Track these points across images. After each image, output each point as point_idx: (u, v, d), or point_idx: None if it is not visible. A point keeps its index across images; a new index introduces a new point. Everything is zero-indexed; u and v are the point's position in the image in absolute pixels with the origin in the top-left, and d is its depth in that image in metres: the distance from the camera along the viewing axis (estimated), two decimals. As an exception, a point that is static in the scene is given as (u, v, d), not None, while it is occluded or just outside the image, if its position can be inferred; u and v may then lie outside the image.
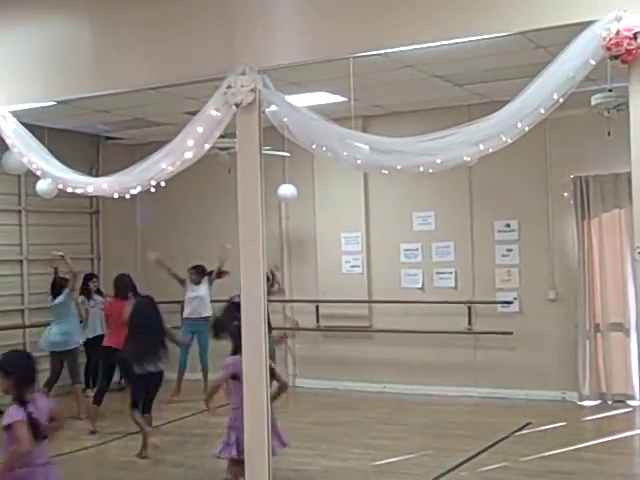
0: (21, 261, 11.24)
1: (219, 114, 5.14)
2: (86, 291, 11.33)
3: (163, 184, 5.38)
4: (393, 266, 11.10)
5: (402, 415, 9.72)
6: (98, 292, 11.48)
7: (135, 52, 5.81)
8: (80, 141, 11.69)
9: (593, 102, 7.38)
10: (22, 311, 11.22)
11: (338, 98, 9.08)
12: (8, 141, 6.00)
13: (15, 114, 6.18)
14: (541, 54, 6.77)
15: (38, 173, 5.93)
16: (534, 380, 10.06)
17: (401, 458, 7.66)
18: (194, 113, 5.40)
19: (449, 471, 7.16)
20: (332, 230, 11.42)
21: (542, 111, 4.47)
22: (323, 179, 11.31)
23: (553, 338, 10.11)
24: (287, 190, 10.83)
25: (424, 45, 5.29)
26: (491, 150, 4.55)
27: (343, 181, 11.04)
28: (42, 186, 9.19)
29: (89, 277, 11.52)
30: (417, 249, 11.01)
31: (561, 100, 4.46)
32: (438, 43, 5.28)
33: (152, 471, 7.55)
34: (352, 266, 11.35)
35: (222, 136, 5.57)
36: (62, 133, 10.38)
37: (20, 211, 11.32)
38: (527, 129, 4.50)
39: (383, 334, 11.13)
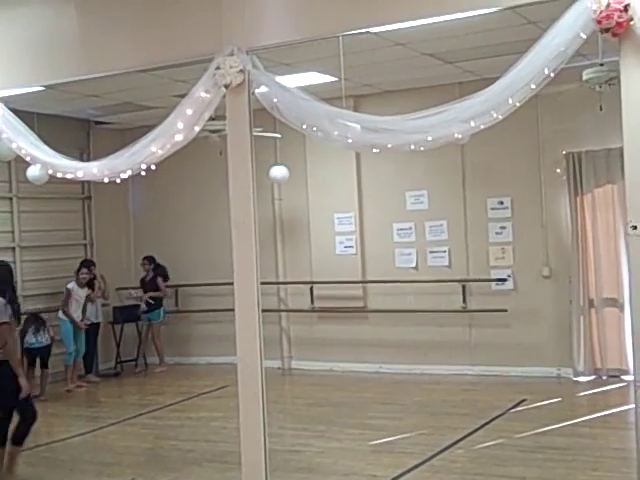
0: (13, 248, 11.19)
1: (208, 96, 5.10)
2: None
3: (153, 167, 5.35)
4: (387, 246, 11.09)
5: (398, 395, 9.75)
6: (94, 279, 11.43)
7: (122, 34, 5.75)
8: (70, 126, 11.62)
9: (584, 77, 7.35)
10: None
11: (328, 78, 9.04)
12: (-4, 127, 5.96)
13: (3, 100, 6.12)
14: (532, 30, 6.72)
15: (27, 159, 5.88)
16: (529, 357, 10.09)
17: (397, 437, 7.68)
18: (184, 96, 5.35)
19: (445, 449, 7.18)
20: (325, 211, 11.40)
21: (533, 86, 4.44)
22: (315, 160, 11.28)
23: (547, 315, 10.13)
24: (279, 172, 10.79)
25: (414, 22, 5.25)
26: (482, 127, 4.53)
27: (335, 161, 11.01)
28: (33, 172, 9.11)
29: (87, 264, 11.47)
30: (410, 228, 11.00)
31: (552, 75, 4.42)
32: (428, 20, 5.23)
33: (150, 455, 7.56)
34: (346, 247, 11.34)
35: (212, 118, 5.54)
36: (52, 118, 10.32)
37: (11, 198, 11.26)
38: (518, 104, 4.47)
39: (378, 314, 11.14)
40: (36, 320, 10.33)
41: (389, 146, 4.77)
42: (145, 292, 12.03)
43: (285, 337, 11.78)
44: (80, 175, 5.72)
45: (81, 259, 11.71)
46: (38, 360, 10.33)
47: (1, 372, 6.38)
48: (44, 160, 5.80)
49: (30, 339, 10.26)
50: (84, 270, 11.15)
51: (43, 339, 10.32)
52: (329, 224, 11.40)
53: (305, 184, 11.51)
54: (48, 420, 9.48)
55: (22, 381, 6.40)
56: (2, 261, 7.14)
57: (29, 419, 6.58)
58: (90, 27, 5.91)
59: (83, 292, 11.10)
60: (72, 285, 11.02)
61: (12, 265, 11.00)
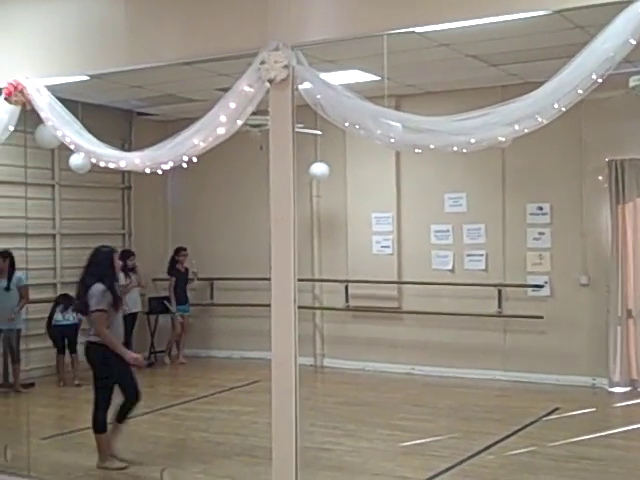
0: (54, 235, 11.33)
1: (252, 90, 5.10)
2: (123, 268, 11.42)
3: (195, 160, 5.36)
4: (424, 247, 11.05)
5: (429, 397, 9.71)
6: (133, 270, 11.54)
7: (169, 26, 5.77)
8: (113, 116, 11.72)
9: (631, 84, 7.26)
10: (54, 285, 11.32)
11: (371, 77, 9.01)
12: (42, 114, 6.00)
13: (49, 88, 6.17)
14: (579, 34, 6.64)
15: (71, 147, 5.92)
16: (564, 365, 9.98)
17: (428, 440, 7.65)
18: (226, 90, 5.36)
19: (476, 454, 7.13)
20: (363, 210, 11.39)
21: (580, 91, 4.38)
22: (355, 158, 11.27)
23: (584, 323, 10.02)
24: (319, 169, 10.80)
25: (460, 24, 5.21)
26: (526, 131, 4.47)
27: (375, 161, 10.98)
28: (76, 161, 9.23)
29: (126, 254, 11.58)
30: (448, 230, 10.95)
31: (600, 80, 4.36)
32: (474, 22, 5.18)
33: (181, 446, 7.61)
34: (382, 246, 11.31)
35: (254, 113, 5.52)
36: (95, 108, 10.39)
37: (53, 185, 11.40)
38: (564, 109, 4.40)
39: (412, 315, 11.09)
40: (65, 299, 10.45)
41: (431, 147, 4.73)
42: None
43: (319, 335, 11.79)
44: (122, 165, 5.74)
45: (119, 248, 11.79)
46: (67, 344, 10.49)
47: (97, 355, 6.71)
48: (88, 149, 5.83)
49: (57, 317, 10.45)
50: (132, 257, 11.25)
51: (70, 317, 10.45)
52: (366, 223, 11.39)
53: (344, 182, 11.50)
54: (82, 406, 9.56)
55: (127, 356, 6.67)
56: (105, 246, 7.17)
57: (132, 397, 6.79)
58: (137, 18, 5.94)
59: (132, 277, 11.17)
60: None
61: (52, 252, 11.31)
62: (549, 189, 10.25)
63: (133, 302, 11.58)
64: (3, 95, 6.11)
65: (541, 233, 10.38)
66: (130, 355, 6.72)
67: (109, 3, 6.05)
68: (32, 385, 10.22)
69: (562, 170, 10.16)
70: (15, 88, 6.04)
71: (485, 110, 4.56)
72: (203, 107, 5.44)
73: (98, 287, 6.73)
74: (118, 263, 7.11)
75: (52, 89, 6.17)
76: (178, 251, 12.08)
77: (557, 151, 10.05)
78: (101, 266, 6.88)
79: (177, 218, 12.95)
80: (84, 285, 6.80)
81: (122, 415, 6.84)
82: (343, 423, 8.33)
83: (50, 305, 10.69)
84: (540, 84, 4.53)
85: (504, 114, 4.49)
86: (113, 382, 6.73)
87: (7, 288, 9.98)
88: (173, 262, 12.07)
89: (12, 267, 10.04)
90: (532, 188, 10.36)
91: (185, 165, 5.45)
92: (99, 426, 6.79)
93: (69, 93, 7.17)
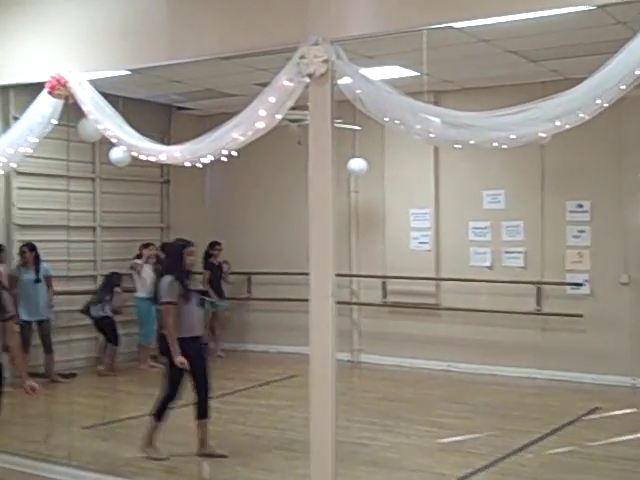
0: (94, 228, 11.46)
1: (291, 84, 5.10)
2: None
3: (235, 154, 5.38)
4: (462, 244, 11.00)
5: (467, 394, 9.66)
6: None
7: (210, 21, 5.80)
8: (153, 111, 11.82)
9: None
10: (94, 277, 11.46)
11: (410, 72, 8.99)
12: (84, 108, 6.06)
13: (91, 83, 6.23)
14: (621, 30, 6.57)
15: (113, 140, 5.98)
16: (603, 364, 9.88)
17: (466, 437, 7.63)
18: (265, 84, 5.38)
19: (514, 452, 7.08)
20: (401, 206, 11.36)
21: (622, 87, 4.32)
22: (393, 154, 11.24)
23: (624, 322, 9.90)
24: (357, 164, 10.79)
25: (500, 19, 5.18)
26: (567, 126, 4.42)
27: (413, 156, 10.96)
28: (116, 154, 9.33)
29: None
30: (486, 227, 10.88)
31: (643, 76, 4.30)
32: (515, 17, 5.16)
33: (220, 438, 7.66)
34: (420, 242, 11.28)
35: (293, 108, 5.53)
36: (136, 102, 10.48)
37: (94, 179, 11.53)
38: (606, 105, 4.35)
39: (450, 312, 11.05)
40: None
41: (471, 142, 4.70)
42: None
43: (356, 330, 11.79)
44: (162, 158, 5.79)
45: (157, 242, 11.93)
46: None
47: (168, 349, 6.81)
48: (129, 142, 5.89)
49: (92, 309, 10.67)
50: (151, 247, 11.33)
51: (106, 310, 10.63)
52: (404, 219, 11.36)
53: (382, 178, 11.48)
54: (123, 397, 9.75)
55: (175, 357, 6.76)
56: (179, 239, 7.31)
57: (202, 392, 6.89)
58: (179, 13, 5.98)
59: (149, 269, 11.25)
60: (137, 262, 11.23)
61: (92, 245, 11.44)
62: (589, 186, 10.14)
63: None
64: (46, 89, 6.19)
65: (581, 231, 10.27)
66: (178, 358, 6.76)
67: (151, -2, 6.09)
68: (73, 375, 10.37)
69: (602, 167, 10.05)
70: (58, 82, 6.12)
71: (526, 106, 4.52)
72: (242, 102, 5.46)
73: (167, 279, 6.86)
74: (190, 257, 7.02)
75: (94, 83, 6.24)
76: (212, 245, 12.13)
77: (597, 147, 9.95)
78: (171, 259, 7.03)
79: (215, 212, 13.02)
80: (158, 277, 6.93)
81: (199, 411, 6.94)
82: (380, 418, 8.33)
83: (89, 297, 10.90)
84: (580, 80, 4.48)
85: (545, 110, 4.44)
86: (182, 375, 6.82)
87: (37, 280, 10.12)
88: (207, 256, 12.11)
89: (37, 259, 10.20)
90: (572, 185, 10.26)
91: (224, 159, 5.48)
92: (159, 414, 6.90)
93: (110, 88, 7.25)
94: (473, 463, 6.75)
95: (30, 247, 10.18)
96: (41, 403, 9.59)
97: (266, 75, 5.68)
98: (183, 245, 7.06)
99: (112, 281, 10.94)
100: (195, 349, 6.85)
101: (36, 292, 10.11)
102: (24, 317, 9.93)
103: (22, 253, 10.21)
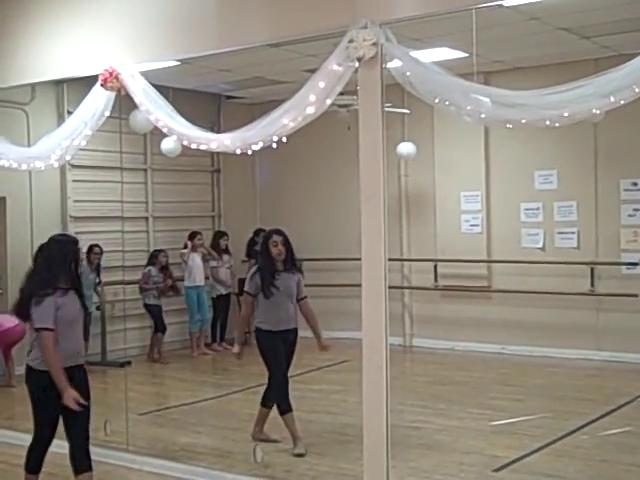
0: (147, 218, 11.60)
1: (340, 69, 5.10)
2: (216, 249, 11.66)
3: (285, 140, 5.40)
4: (513, 225, 10.91)
5: (520, 377, 9.61)
6: (226, 251, 11.76)
7: (256, 9, 5.82)
8: (202, 100, 11.90)
9: None
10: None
11: (459, 54, 8.91)
12: (136, 99, 6.14)
13: (142, 74, 6.31)
14: (676, 3, 6.44)
15: (164, 130, 6.04)
16: (660, 344, 9.74)
17: (519, 419, 7.59)
18: (314, 71, 5.38)
19: (569, 434, 7.04)
20: (451, 189, 11.30)
21: (678, 60, 4.25)
22: (443, 137, 11.18)
23: (681, 301, 9.74)
24: (406, 148, 10.76)
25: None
26: (622, 102, 4.35)
27: (463, 139, 10.88)
28: (167, 145, 9.42)
29: (220, 235, 11.81)
30: (538, 208, 10.78)
31: (700, 49, 4.22)
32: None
33: (273, 423, 7.72)
34: (471, 225, 11.22)
35: (342, 93, 5.53)
36: (185, 93, 10.55)
37: (146, 170, 11.67)
38: (662, 80, 4.28)
39: (502, 294, 10.98)
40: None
41: (523, 121, 4.66)
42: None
43: (407, 314, 11.78)
44: (213, 146, 5.84)
45: (209, 230, 12.05)
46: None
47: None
48: (180, 131, 5.94)
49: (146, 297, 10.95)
50: (199, 236, 11.43)
51: (150, 298, 10.96)
52: (455, 202, 11.31)
53: (432, 161, 11.43)
54: (176, 384, 9.87)
55: (234, 348, 7.11)
56: (261, 230, 7.26)
57: (272, 383, 6.89)
58: (226, 1, 6.02)
59: (197, 257, 11.35)
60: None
61: (145, 235, 11.59)
62: (644, 164, 9.97)
63: (228, 283, 11.80)
64: (99, 82, 6.28)
65: (636, 210, 10.11)
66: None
67: (198, -13, 6.13)
68: (129, 363, 10.51)
69: (658, 144, 9.87)
70: (110, 74, 6.20)
71: (579, 82, 4.47)
72: (291, 89, 5.48)
73: (252, 271, 6.90)
74: (275, 248, 6.79)
75: (144, 75, 6.31)
76: (257, 233, 12.15)
77: (652, 124, 9.76)
78: (260, 249, 7.00)
79: (266, 200, 13.08)
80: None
81: (265, 399, 6.99)
82: (433, 402, 8.33)
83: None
84: (634, 56, 4.40)
85: (599, 85, 4.38)
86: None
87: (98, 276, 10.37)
88: (252, 244, 12.13)
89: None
90: (626, 163, 10.10)
91: (275, 145, 5.50)
92: (266, 403, 6.94)
93: (160, 79, 7.32)
94: (527, 445, 6.72)
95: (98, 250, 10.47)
96: (98, 391, 9.78)
97: (315, 61, 5.68)
98: (267, 235, 6.94)
99: (151, 261, 11.05)
100: (274, 342, 6.75)
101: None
102: None
103: (93, 254, 10.46)
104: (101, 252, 10.48)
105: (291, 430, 6.74)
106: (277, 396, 6.78)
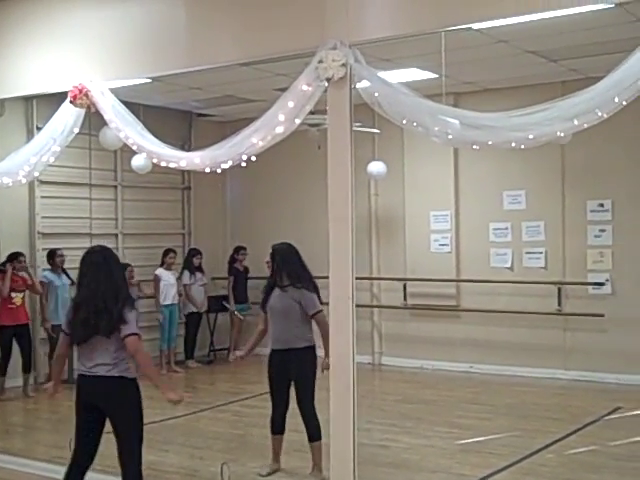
0: (116, 235, 11.55)
1: (310, 89, 5.13)
2: (189, 267, 11.65)
3: (254, 159, 5.42)
4: (482, 245, 11.00)
5: (488, 395, 9.66)
6: (199, 269, 11.76)
7: (227, 28, 5.83)
8: (173, 118, 11.91)
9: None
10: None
11: (428, 74, 9.01)
12: (106, 116, 6.12)
13: (112, 91, 6.30)
14: (640, 28, 6.57)
15: (134, 148, 6.03)
16: (625, 364, 9.83)
17: (487, 438, 7.63)
18: (284, 89, 5.41)
19: (535, 452, 7.09)
20: (421, 208, 11.38)
21: (641, 85, 4.32)
22: (413, 157, 11.26)
23: (647, 322, 9.85)
24: (376, 167, 10.81)
25: (519, 19, 5.17)
26: (586, 125, 4.42)
27: (433, 159, 10.97)
28: (137, 162, 9.41)
29: (193, 253, 11.81)
30: (507, 228, 10.88)
31: (661, 74, 4.29)
32: (533, 16, 5.15)
33: (241, 441, 7.70)
34: (441, 244, 11.29)
35: (312, 112, 5.56)
36: (156, 110, 10.59)
37: (116, 186, 11.64)
38: (624, 103, 4.35)
39: (471, 313, 11.05)
40: None
41: (490, 143, 4.71)
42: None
43: (377, 333, 11.81)
44: (183, 164, 5.84)
45: (179, 247, 12.04)
46: None
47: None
48: (149, 149, 5.94)
49: None
50: (171, 254, 11.43)
51: None
52: (424, 221, 11.38)
53: (402, 180, 11.50)
54: (145, 402, 9.71)
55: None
56: (273, 245, 6.97)
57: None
58: (196, 21, 6.03)
59: (171, 275, 11.32)
60: (159, 271, 11.30)
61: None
62: (610, 185, 10.11)
63: (201, 301, 11.79)
64: (69, 98, 6.26)
65: (602, 230, 10.24)
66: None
67: (169, 7, 6.15)
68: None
69: (624, 165, 10.01)
70: (80, 91, 6.18)
71: (544, 105, 4.54)
72: (262, 107, 5.50)
73: None
74: (268, 264, 6.79)
75: (114, 92, 6.30)
76: (237, 250, 12.20)
77: (619, 146, 9.91)
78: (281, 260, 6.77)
79: (236, 217, 13.09)
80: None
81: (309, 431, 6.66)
82: (401, 420, 8.34)
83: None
84: (601, 79, 4.48)
85: (563, 109, 4.45)
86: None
87: (72, 283, 10.21)
88: (232, 261, 12.19)
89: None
90: (593, 184, 10.24)
91: (244, 164, 5.51)
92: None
93: (131, 96, 7.36)
94: (494, 463, 6.75)
95: (61, 253, 10.32)
96: (65, 409, 9.68)
97: (286, 80, 5.73)
98: (272, 251, 6.86)
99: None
100: (272, 361, 6.71)
101: (67, 296, 10.24)
102: (58, 322, 10.08)
103: (57, 257, 10.31)
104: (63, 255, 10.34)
105: (276, 451, 6.70)
106: (272, 417, 6.72)
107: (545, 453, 7.09)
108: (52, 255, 10.33)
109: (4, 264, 9.80)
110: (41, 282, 10.22)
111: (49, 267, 10.36)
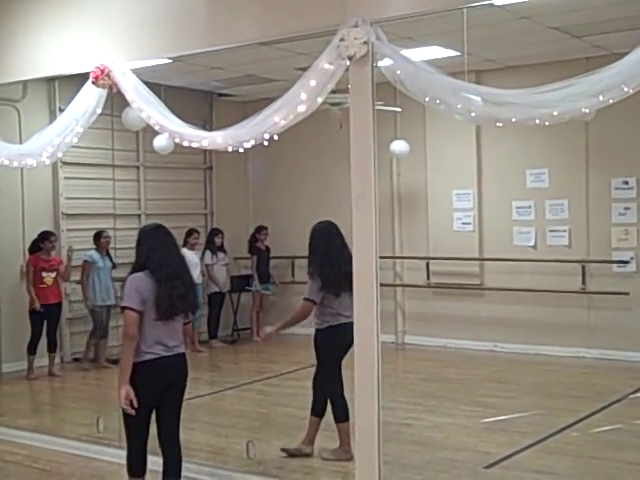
0: (139, 215, 11.60)
1: (331, 67, 5.11)
2: (211, 247, 11.68)
3: (276, 138, 5.41)
4: (505, 224, 10.94)
5: (512, 374, 9.65)
6: (221, 248, 11.80)
7: (248, 7, 5.83)
8: (194, 98, 11.90)
9: None
10: (139, 264, 11.59)
11: (450, 52, 8.93)
12: (128, 97, 6.14)
13: (134, 72, 6.32)
14: (666, 2, 6.47)
15: (156, 128, 6.04)
16: (650, 342, 9.78)
17: (511, 416, 7.62)
18: (305, 69, 5.39)
19: (560, 430, 7.07)
20: (444, 187, 11.33)
21: (667, 59, 4.27)
22: (435, 135, 11.20)
23: (672, 299, 9.78)
24: (399, 146, 10.78)
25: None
26: (611, 101, 4.38)
27: (455, 137, 10.90)
28: (159, 142, 9.43)
29: (215, 232, 11.85)
30: (530, 207, 10.81)
31: (688, 47, 4.24)
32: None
33: (265, 420, 7.75)
34: (463, 223, 11.25)
35: (333, 91, 5.55)
36: (177, 90, 10.57)
37: (138, 167, 11.67)
38: (651, 79, 4.30)
39: (494, 292, 11.01)
40: None
41: (513, 120, 4.67)
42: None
43: (400, 312, 11.81)
44: (205, 144, 5.84)
45: (202, 227, 12.07)
46: None
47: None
48: (172, 129, 5.95)
49: None
50: (195, 235, 11.45)
51: None
52: (447, 200, 11.33)
53: (424, 159, 11.45)
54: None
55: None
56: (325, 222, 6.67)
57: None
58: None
59: (194, 255, 11.31)
60: (182, 251, 11.28)
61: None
62: (635, 163, 9.99)
63: (223, 281, 11.83)
64: (90, 79, 6.29)
65: (627, 208, 10.15)
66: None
67: (190, -15, 6.14)
68: (121, 360, 10.52)
69: (649, 143, 9.90)
70: (102, 72, 6.20)
71: (568, 81, 4.49)
72: (283, 87, 5.49)
73: None
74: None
75: (136, 72, 6.31)
76: (259, 230, 12.21)
77: (643, 123, 9.80)
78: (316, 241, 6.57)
79: (258, 197, 13.10)
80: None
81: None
82: (425, 399, 8.35)
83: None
84: (625, 55, 4.43)
85: (588, 85, 4.41)
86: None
87: (114, 266, 10.29)
88: (253, 240, 12.21)
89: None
90: (617, 162, 10.14)
91: (266, 143, 5.51)
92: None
93: (152, 76, 7.34)
94: (518, 442, 6.74)
95: (107, 234, 10.31)
96: (91, 387, 9.81)
97: (307, 59, 5.69)
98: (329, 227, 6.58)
99: None
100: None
101: (111, 277, 10.33)
102: (99, 302, 10.26)
103: (103, 239, 10.33)
104: (109, 237, 10.28)
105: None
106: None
107: (570, 431, 7.07)
108: (98, 236, 10.36)
109: (36, 243, 9.90)
110: (85, 262, 10.29)
111: (94, 247, 10.40)
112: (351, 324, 5.51)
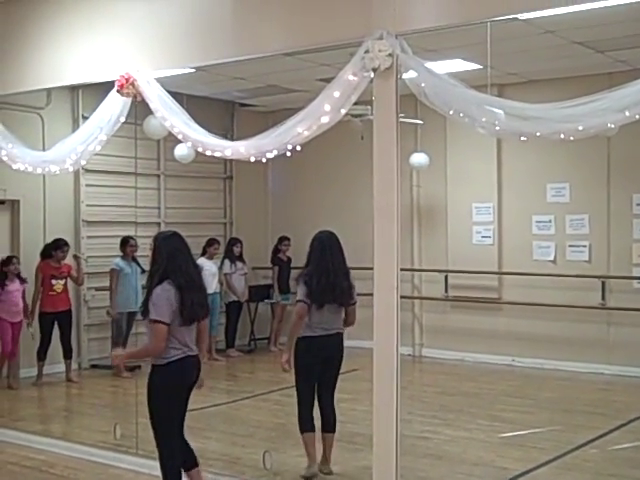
0: (159, 224, 11.64)
1: (356, 79, 5.13)
2: (230, 256, 11.70)
3: (299, 148, 5.43)
4: (525, 238, 10.90)
5: (530, 389, 9.59)
6: (240, 258, 11.81)
7: (273, 17, 5.85)
8: (216, 108, 11.95)
9: None
10: (159, 272, 11.62)
11: (473, 65, 8.92)
12: (152, 105, 6.18)
13: (157, 81, 6.36)
14: (691, 18, 6.44)
15: (179, 137, 6.08)
16: (671, 360, 9.70)
17: (528, 432, 7.57)
18: (328, 80, 5.41)
19: (578, 447, 7.01)
20: (463, 200, 11.31)
21: (693, 76, 4.26)
22: (455, 148, 11.19)
23: (693, 317, 9.70)
24: (419, 158, 10.78)
25: (566, 9, 5.11)
26: (637, 117, 4.35)
27: (476, 150, 10.89)
28: (181, 151, 9.48)
29: (233, 242, 11.87)
30: (550, 221, 10.77)
31: None
32: (581, 7, 5.09)
33: (282, 430, 7.73)
34: (483, 236, 11.22)
35: (355, 103, 5.56)
36: (199, 100, 10.59)
37: (159, 175, 11.72)
38: (678, 95, 4.29)
39: (512, 306, 10.96)
40: None
41: (537, 134, 4.67)
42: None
43: (417, 324, 11.77)
44: (228, 153, 5.87)
45: (221, 237, 12.10)
46: None
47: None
48: (195, 138, 5.98)
49: None
50: (216, 245, 11.48)
51: None
52: (467, 213, 11.31)
53: (444, 172, 11.44)
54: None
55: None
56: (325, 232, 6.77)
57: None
58: (242, 10, 6.06)
59: (212, 265, 11.30)
60: (201, 260, 11.33)
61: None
62: (657, 179, 9.95)
63: (241, 291, 11.84)
64: (115, 87, 6.33)
65: (649, 224, 10.09)
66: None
67: (215, -4, 6.17)
68: (139, 367, 10.53)
69: (671, 158, 9.85)
70: (127, 80, 6.25)
71: (594, 96, 4.48)
72: (304, 97, 5.51)
73: None
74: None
75: (159, 81, 6.35)
76: (281, 240, 12.21)
77: (666, 139, 9.74)
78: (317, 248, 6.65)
79: (277, 207, 13.11)
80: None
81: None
82: (442, 412, 8.32)
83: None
84: (651, 70, 4.42)
85: (614, 100, 4.39)
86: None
87: (143, 271, 10.30)
88: (276, 251, 12.22)
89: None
90: (639, 177, 10.08)
91: (289, 154, 5.52)
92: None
93: (174, 86, 7.38)
94: (536, 458, 6.70)
95: (133, 242, 10.32)
96: (108, 394, 9.84)
97: (329, 70, 5.72)
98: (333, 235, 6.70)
99: None
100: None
101: (136, 284, 10.35)
102: (120, 309, 10.30)
103: (129, 246, 10.35)
104: (136, 244, 10.28)
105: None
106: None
107: (588, 448, 7.02)
108: (124, 243, 10.40)
109: (48, 249, 9.94)
110: (112, 270, 10.34)
111: (120, 255, 10.45)
112: (330, 337, 5.99)
